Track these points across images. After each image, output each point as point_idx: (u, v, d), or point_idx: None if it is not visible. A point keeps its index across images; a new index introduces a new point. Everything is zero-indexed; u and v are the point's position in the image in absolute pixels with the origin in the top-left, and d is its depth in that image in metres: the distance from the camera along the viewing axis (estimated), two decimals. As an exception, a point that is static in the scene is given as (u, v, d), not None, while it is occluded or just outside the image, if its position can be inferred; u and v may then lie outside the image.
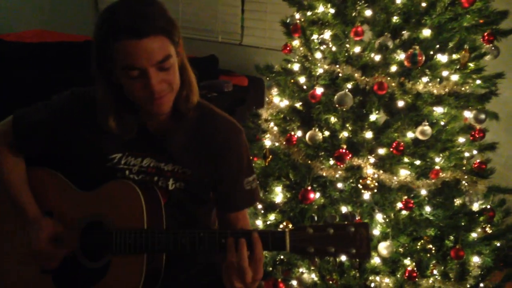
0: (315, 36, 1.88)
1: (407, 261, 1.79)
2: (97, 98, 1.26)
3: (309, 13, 1.87)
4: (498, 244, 1.88)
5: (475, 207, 1.88)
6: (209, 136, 1.34)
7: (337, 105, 1.74)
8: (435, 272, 1.81)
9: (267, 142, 2.00)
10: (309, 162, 1.84)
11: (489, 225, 1.89)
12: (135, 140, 1.31)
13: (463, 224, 1.78)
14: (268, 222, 1.98)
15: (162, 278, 1.30)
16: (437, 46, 1.74)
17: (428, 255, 1.79)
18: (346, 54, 1.78)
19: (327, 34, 1.83)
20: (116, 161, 1.32)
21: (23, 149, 1.37)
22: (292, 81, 1.97)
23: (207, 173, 1.36)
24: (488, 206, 1.89)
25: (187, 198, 1.37)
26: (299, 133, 1.89)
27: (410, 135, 1.76)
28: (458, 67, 1.73)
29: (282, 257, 1.98)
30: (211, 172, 1.36)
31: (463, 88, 1.73)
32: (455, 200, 1.84)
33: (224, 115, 1.39)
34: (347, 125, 1.80)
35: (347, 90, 1.72)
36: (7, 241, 1.38)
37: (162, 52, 1.13)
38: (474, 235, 1.81)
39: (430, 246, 1.79)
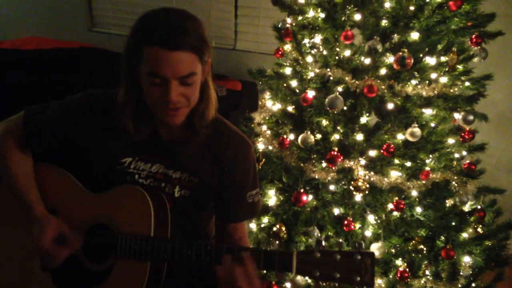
0: (306, 40, 1.90)
1: (399, 262, 1.81)
2: (114, 99, 1.28)
3: (300, 18, 1.89)
4: (490, 244, 1.90)
5: (467, 207, 1.91)
6: (219, 149, 1.36)
7: (328, 108, 1.76)
8: (427, 272, 1.83)
9: (260, 146, 2.02)
10: (302, 164, 1.86)
11: (480, 225, 1.91)
12: (147, 146, 1.33)
13: (453, 224, 1.80)
14: (262, 225, 2.00)
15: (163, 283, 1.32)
16: (426, 49, 1.76)
17: (420, 255, 1.81)
18: (337, 57, 1.81)
19: (318, 38, 1.85)
20: (126, 165, 1.34)
21: (31, 145, 1.38)
22: (284, 84, 1.99)
23: (213, 183, 1.38)
24: (479, 207, 1.91)
25: (191, 206, 1.39)
26: (291, 136, 1.91)
27: (400, 137, 1.78)
28: (446, 69, 1.75)
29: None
30: (217, 182, 1.38)
31: (451, 90, 1.75)
32: (446, 200, 1.86)
33: (236, 130, 1.42)
34: (339, 128, 1.83)
35: (337, 93, 1.74)
36: (9, 238, 1.38)
37: (188, 68, 1.16)
38: (465, 235, 1.83)
39: (422, 246, 1.82)
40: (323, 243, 1.22)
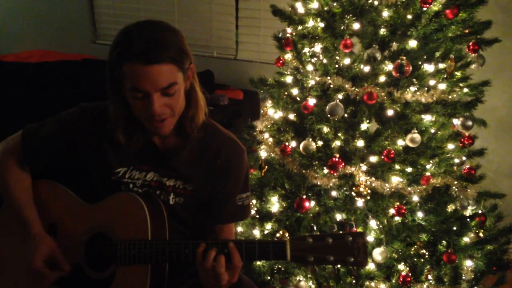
0: (306, 49, 1.94)
1: (401, 266, 1.82)
2: (108, 112, 1.31)
3: (300, 27, 1.92)
4: (491, 248, 1.92)
5: (468, 212, 1.93)
6: (212, 154, 1.38)
7: (329, 115, 1.79)
8: (429, 277, 1.84)
9: (263, 153, 2.05)
10: (304, 171, 1.88)
11: (481, 230, 1.93)
12: (141, 155, 1.35)
13: (455, 229, 1.82)
14: (265, 232, 2.02)
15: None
16: (424, 56, 1.79)
17: (422, 260, 1.83)
18: (336, 66, 1.84)
19: (318, 47, 1.88)
20: (120, 175, 1.37)
21: (31, 163, 1.41)
22: (285, 93, 2.02)
23: (206, 188, 1.40)
24: (480, 211, 1.93)
25: (186, 212, 1.41)
26: (293, 144, 1.94)
27: (400, 143, 1.80)
28: (445, 76, 1.78)
29: (279, 266, 2.01)
30: (210, 187, 1.40)
31: (450, 96, 1.78)
32: (447, 205, 1.88)
33: (228, 134, 1.44)
34: (339, 135, 1.85)
35: (338, 100, 1.77)
36: (16, 250, 1.41)
37: (168, 79, 1.18)
38: (466, 239, 1.85)
39: (424, 251, 1.83)
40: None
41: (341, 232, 1.20)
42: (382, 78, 1.77)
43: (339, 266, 1.24)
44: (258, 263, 1.97)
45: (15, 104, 3.09)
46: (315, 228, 1.25)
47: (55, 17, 3.55)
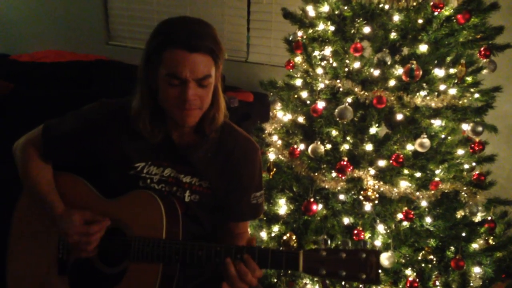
0: (316, 53, 1.94)
1: (408, 272, 1.81)
2: (128, 105, 1.34)
3: (310, 31, 1.93)
4: (500, 255, 1.90)
5: (478, 218, 1.91)
6: (228, 152, 1.41)
7: (338, 119, 1.79)
8: (437, 282, 1.83)
9: (271, 156, 2.05)
10: (312, 174, 1.88)
11: (491, 237, 1.91)
12: (159, 150, 1.38)
13: (463, 235, 1.81)
14: (272, 234, 2.02)
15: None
16: (435, 61, 1.78)
17: (430, 265, 1.82)
18: (346, 69, 1.84)
19: (328, 51, 1.89)
20: (139, 170, 1.39)
21: (51, 157, 1.43)
22: (295, 96, 2.02)
23: (221, 186, 1.42)
24: (489, 218, 1.91)
25: (201, 210, 1.43)
26: (302, 146, 1.94)
27: (409, 147, 1.80)
28: (455, 81, 1.77)
29: (286, 268, 2.00)
30: (225, 185, 1.42)
31: (460, 102, 1.77)
32: (456, 211, 1.87)
33: (243, 134, 1.47)
34: (348, 138, 1.85)
35: (347, 104, 1.77)
36: (26, 247, 1.43)
37: (205, 70, 1.22)
38: (475, 246, 1.83)
39: (432, 257, 1.82)
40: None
41: (355, 248, 1.20)
42: (392, 82, 1.77)
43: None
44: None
45: (29, 103, 3.14)
46: (329, 242, 1.25)
47: (70, 18, 3.59)
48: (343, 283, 1.83)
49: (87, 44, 3.57)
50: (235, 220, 1.50)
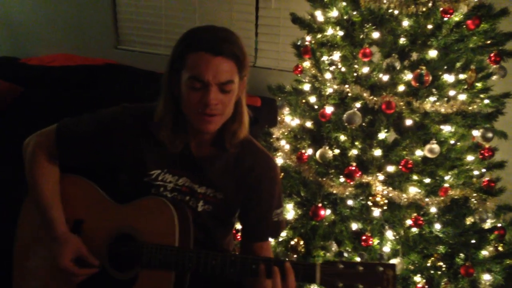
0: (325, 57, 1.94)
1: (417, 278, 1.80)
2: (150, 112, 1.34)
3: (319, 36, 1.93)
4: (510, 263, 1.87)
5: (487, 225, 1.89)
6: (246, 168, 1.40)
7: (346, 124, 1.78)
8: (446, 290, 1.81)
9: (279, 160, 2.05)
10: (320, 179, 1.88)
11: (501, 244, 1.89)
12: (176, 159, 1.37)
13: (473, 241, 1.79)
14: (280, 239, 2.01)
15: None
16: (444, 66, 1.78)
17: (439, 272, 1.80)
18: (355, 74, 1.84)
19: (336, 56, 1.88)
20: (154, 177, 1.38)
21: (64, 158, 1.41)
22: (303, 100, 2.02)
23: (237, 200, 1.41)
24: (499, 225, 1.89)
25: (212, 221, 1.43)
26: (309, 151, 1.93)
27: (418, 153, 1.79)
28: (465, 87, 1.76)
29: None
30: (241, 200, 1.41)
31: (470, 108, 1.76)
32: (465, 218, 1.85)
33: (263, 150, 1.46)
34: (357, 143, 1.84)
35: (356, 109, 1.77)
36: (36, 249, 1.43)
37: (228, 75, 1.22)
38: (484, 253, 1.82)
39: (441, 263, 1.80)
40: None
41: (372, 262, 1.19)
42: (401, 88, 1.76)
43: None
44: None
45: (38, 107, 3.16)
46: (345, 255, 1.24)
47: (79, 22, 3.62)
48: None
49: (96, 48, 3.58)
50: (258, 240, 1.48)
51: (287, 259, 1.26)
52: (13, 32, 3.91)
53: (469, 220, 1.87)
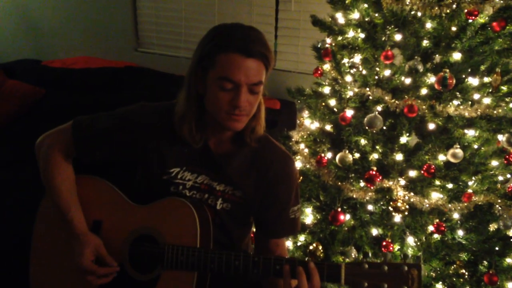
0: (345, 60, 1.92)
1: (439, 286, 1.76)
2: (170, 109, 1.34)
3: (339, 38, 1.91)
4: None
5: (510, 232, 1.84)
6: (264, 165, 1.40)
7: (367, 127, 1.75)
8: (469, 298, 1.77)
9: (298, 164, 2.03)
10: (339, 183, 1.85)
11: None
12: (196, 157, 1.37)
13: (497, 249, 1.74)
14: (299, 244, 1.99)
15: None
16: (468, 69, 1.74)
17: (461, 280, 1.76)
18: (376, 77, 1.81)
19: (357, 58, 1.86)
20: (173, 175, 1.38)
21: (80, 154, 1.40)
22: (322, 103, 2.00)
23: (256, 198, 1.40)
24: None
25: (231, 220, 1.42)
26: (329, 155, 1.91)
27: (441, 157, 1.75)
28: (490, 90, 1.72)
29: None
30: (260, 197, 1.41)
31: (495, 111, 1.72)
32: (489, 224, 1.81)
33: (281, 148, 1.46)
34: (378, 147, 1.82)
35: (377, 112, 1.74)
36: (56, 248, 1.43)
37: (258, 76, 1.22)
38: (509, 260, 1.77)
39: (463, 271, 1.76)
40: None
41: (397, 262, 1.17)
42: (423, 91, 1.73)
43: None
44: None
45: (60, 108, 3.20)
46: (370, 255, 1.23)
47: (100, 25, 3.66)
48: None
49: (117, 51, 3.62)
50: (275, 237, 1.48)
51: (311, 259, 1.25)
52: (35, 35, 3.98)
53: (492, 227, 1.82)
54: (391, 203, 1.74)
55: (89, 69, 3.37)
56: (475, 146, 1.80)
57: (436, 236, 1.76)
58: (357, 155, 1.85)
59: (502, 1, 1.66)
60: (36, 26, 3.94)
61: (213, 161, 1.38)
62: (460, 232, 1.77)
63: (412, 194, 1.74)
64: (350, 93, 1.88)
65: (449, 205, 1.73)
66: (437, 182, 1.75)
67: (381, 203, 1.83)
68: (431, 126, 1.75)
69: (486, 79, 1.74)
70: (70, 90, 3.28)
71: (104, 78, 3.29)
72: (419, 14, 1.73)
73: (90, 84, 3.29)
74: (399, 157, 1.77)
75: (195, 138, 1.32)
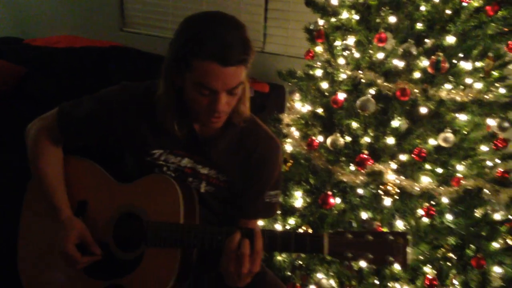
0: (338, 42, 1.89)
1: (427, 269, 1.77)
2: (151, 91, 1.30)
3: (333, 19, 1.88)
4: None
5: (497, 217, 1.86)
6: (249, 147, 1.38)
7: (359, 110, 1.74)
8: (455, 281, 1.78)
9: (288, 147, 2.01)
10: (330, 167, 1.84)
11: (510, 236, 1.86)
12: (179, 140, 1.34)
13: (484, 233, 1.76)
14: (288, 227, 1.98)
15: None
16: (461, 53, 1.73)
17: (449, 263, 1.77)
18: (369, 60, 1.79)
19: (351, 40, 1.84)
20: (156, 157, 1.36)
21: (66, 140, 1.40)
22: (314, 86, 1.98)
23: (239, 181, 1.39)
24: (510, 217, 1.86)
25: (215, 201, 1.41)
26: (320, 138, 1.90)
27: (432, 142, 1.75)
28: (482, 75, 1.72)
29: (300, 262, 1.97)
30: (243, 179, 1.39)
31: (486, 96, 1.72)
32: (477, 209, 1.82)
33: (267, 131, 1.43)
34: (369, 131, 1.80)
35: (369, 95, 1.73)
36: (41, 229, 1.42)
37: (237, 80, 1.18)
38: (496, 245, 1.78)
39: (451, 254, 1.78)
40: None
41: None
42: (416, 74, 1.72)
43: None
44: (279, 258, 1.94)
45: (42, 88, 3.12)
46: (354, 224, 1.22)
47: (84, 3, 3.57)
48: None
49: (102, 30, 3.54)
50: (248, 217, 1.47)
51: (290, 231, 1.22)
52: (16, 12, 3.85)
53: (479, 212, 1.84)
54: (381, 186, 1.74)
55: (73, 48, 3.28)
56: (465, 131, 1.81)
57: (425, 220, 1.76)
58: (348, 139, 1.84)
59: (496, -15, 1.66)
60: (17, 3, 3.82)
61: (198, 145, 1.36)
62: (449, 216, 1.78)
63: (402, 177, 1.74)
64: (342, 76, 1.86)
65: (439, 189, 1.73)
66: (428, 166, 1.75)
67: (371, 186, 1.82)
68: (423, 110, 1.74)
69: (478, 64, 1.73)
70: (53, 70, 3.20)
71: (89, 58, 3.21)
72: (413, -4, 1.71)
73: (73, 64, 3.21)
74: (390, 140, 1.77)
75: (179, 127, 1.29)
